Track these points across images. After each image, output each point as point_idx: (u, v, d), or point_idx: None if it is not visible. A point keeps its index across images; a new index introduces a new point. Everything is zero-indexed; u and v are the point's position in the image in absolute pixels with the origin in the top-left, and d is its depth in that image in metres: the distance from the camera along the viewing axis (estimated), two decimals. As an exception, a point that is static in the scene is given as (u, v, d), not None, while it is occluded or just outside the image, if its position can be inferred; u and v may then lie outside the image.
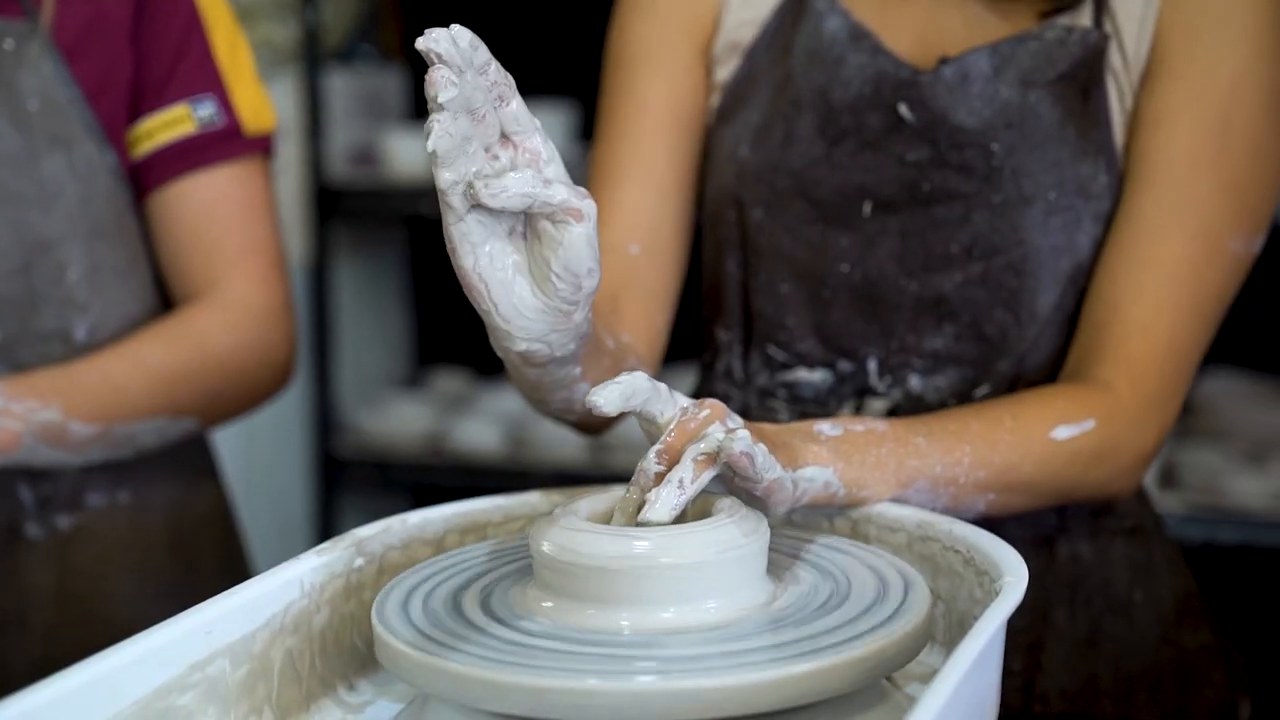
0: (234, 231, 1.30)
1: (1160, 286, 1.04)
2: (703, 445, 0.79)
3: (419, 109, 3.14)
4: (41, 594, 1.25)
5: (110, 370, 1.20)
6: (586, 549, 0.75)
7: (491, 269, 0.78)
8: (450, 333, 3.20)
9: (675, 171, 1.17)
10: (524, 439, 2.81)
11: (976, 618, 0.80)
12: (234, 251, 1.29)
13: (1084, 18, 1.08)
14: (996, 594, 0.74)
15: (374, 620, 0.77)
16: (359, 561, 0.86)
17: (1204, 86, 1.05)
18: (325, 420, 2.93)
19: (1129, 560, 1.13)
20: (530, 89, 3.31)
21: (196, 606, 0.76)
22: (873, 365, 1.11)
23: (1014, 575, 0.76)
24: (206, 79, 1.29)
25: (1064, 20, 1.09)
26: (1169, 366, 1.04)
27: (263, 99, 1.34)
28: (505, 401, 2.90)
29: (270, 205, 1.34)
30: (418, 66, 3.24)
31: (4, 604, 1.24)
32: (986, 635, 0.68)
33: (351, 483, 2.98)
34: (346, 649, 0.85)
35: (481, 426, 2.85)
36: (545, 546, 0.77)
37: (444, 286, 2.93)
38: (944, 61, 1.08)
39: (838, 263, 1.11)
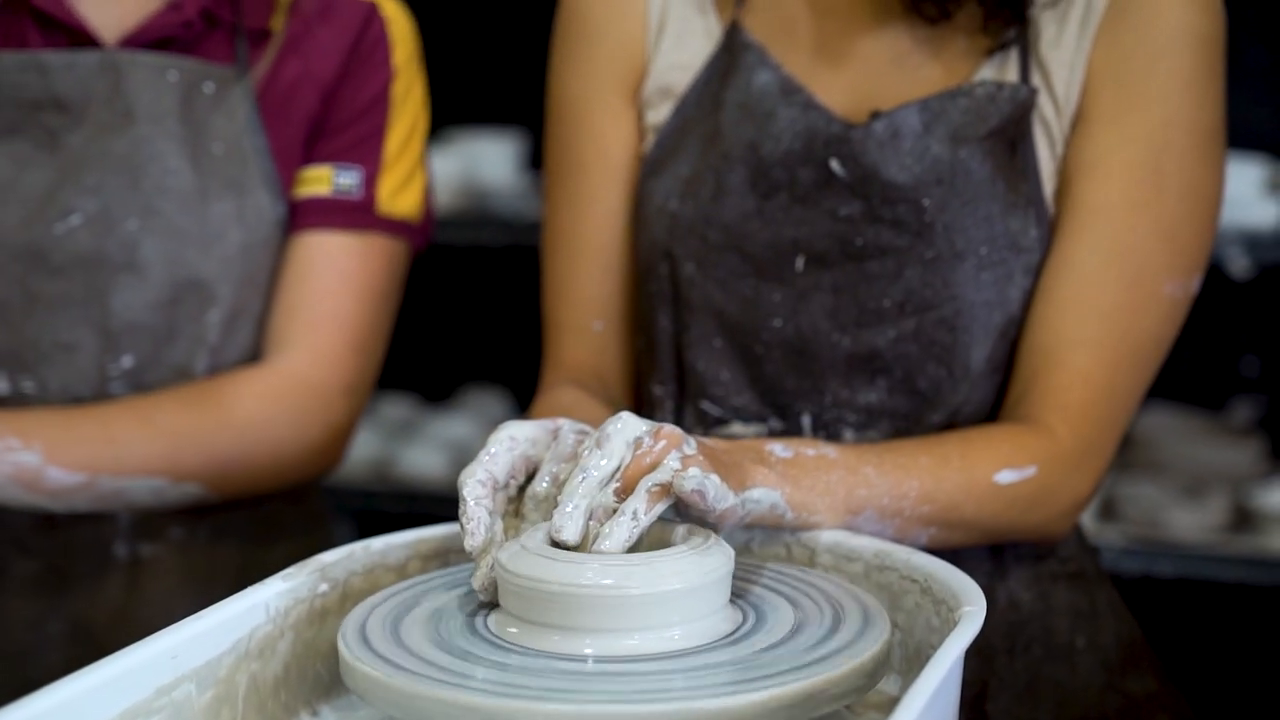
0: (322, 299, 1.27)
1: (1099, 333, 1.05)
2: (657, 476, 0.80)
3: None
4: (113, 613, 1.24)
5: (112, 421, 1.19)
6: (553, 576, 0.76)
7: None
8: (397, 359, 3.19)
9: (619, 237, 1.19)
10: (471, 466, 2.80)
11: (934, 647, 0.81)
12: (313, 319, 1.27)
13: (1011, 70, 1.10)
14: (955, 623, 0.76)
15: (340, 644, 0.77)
16: (323, 587, 0.87)
17: (1136, 130, 1.06)
18: (270, 445, 2.91)
19: (1071, 606, 1.14)
20: (478, 118, 3.32)
21: (163, 631, 0.76)
22: (806, 420, 1.12)
23: (973, 605, 0.77)
24: (363, 153, 1.30)
25: (992, 75, 1.10)
26: (1108, 412, 1.06)
27: (414, 187, 1.33)
28: (452, 428, 2.89)
29: (379, 288, 1.31)
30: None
31: (84, 617, 1.23)
32: (947, 664, 0.69)
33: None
34: (310, 674, 0.85)
35: (428, 453, 2.84)
36: (512, 573, 0.78)
37: (393, 313, 2.89)
38: (875, 116, 1.09)
39: (770, 317, 1.11)
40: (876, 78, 1.12)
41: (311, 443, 1.28)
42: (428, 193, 1.36)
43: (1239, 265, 2.34)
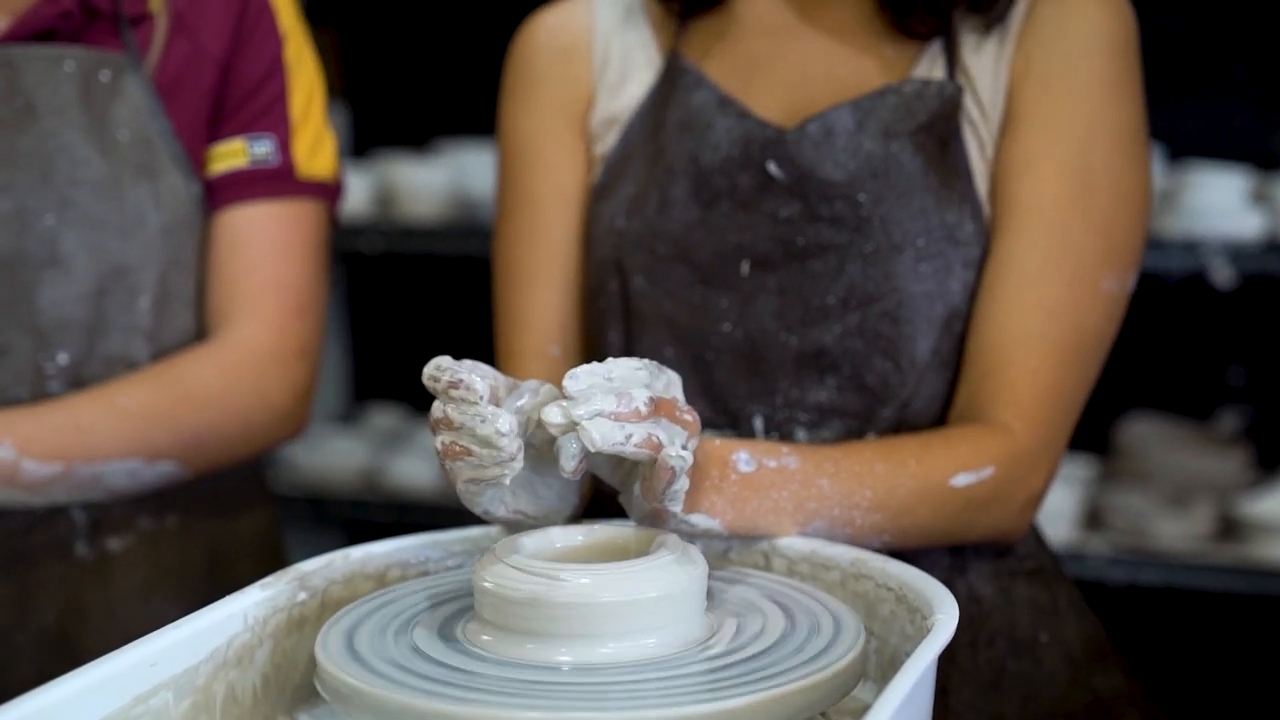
0: (260, 268, 1.29)
1: (1044, 330, 1.07)
2: (666, 434, 0.81)
3: (360, 146, 3.15)
4: (89, 614, 1.24)
5: (78, 410, 1.19)
6: (529, 585, 0.76)
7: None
8: (386, 369, 3.20)
9: (573, 265, 1.21)
10: (459, 476, 2.81)
11: (908, 654, 0.82)
12: (255, 289, 1.28)
13: (937, 71, 1.13)
14: (928, 631, 0.76)
15: (318, 654, 0.78)
16: (302, 595, 0.87)
17: (1062, 132, 1.09)
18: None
19: (1032, 601, 1.15)
20: (467, 129, 3.33)
21: (141, 639, 0.76)
22: (758, 423, 1.13)
23: (945, 613, 0.78)
24: (272, 120, 1.30)
25: (920, 74, 1.13)
26: (1058, 409, 1.08)
27: (325, 147, 1.34)
28: (441, 438, 2.89)
29: (312, 251, 1.32)
30: (358, 105, 3.26)
31: (49, 622, 1.24)
32: (919, 671, 0.70)
33: (286, 518, 2.96)
34: (289, 683, 0.86)
35: (417, 463, 2.85)
36: (488, 582, 0.78)
37: (380, 323, 2.97)
38: (808, 120, 1.12)
39: (719, 323, 1.14)
40: (809, 91, 1.16)
41: (277, 407, 1.30)
42: (338, 154, 1.37)
43: (1224, 275, 2.35)
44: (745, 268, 1.13)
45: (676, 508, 0.84)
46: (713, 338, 1.14)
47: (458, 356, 0.82)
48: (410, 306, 3.16)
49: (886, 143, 1.11)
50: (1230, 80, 2.64)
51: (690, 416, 0.84)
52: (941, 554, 1.12)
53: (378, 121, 3.16)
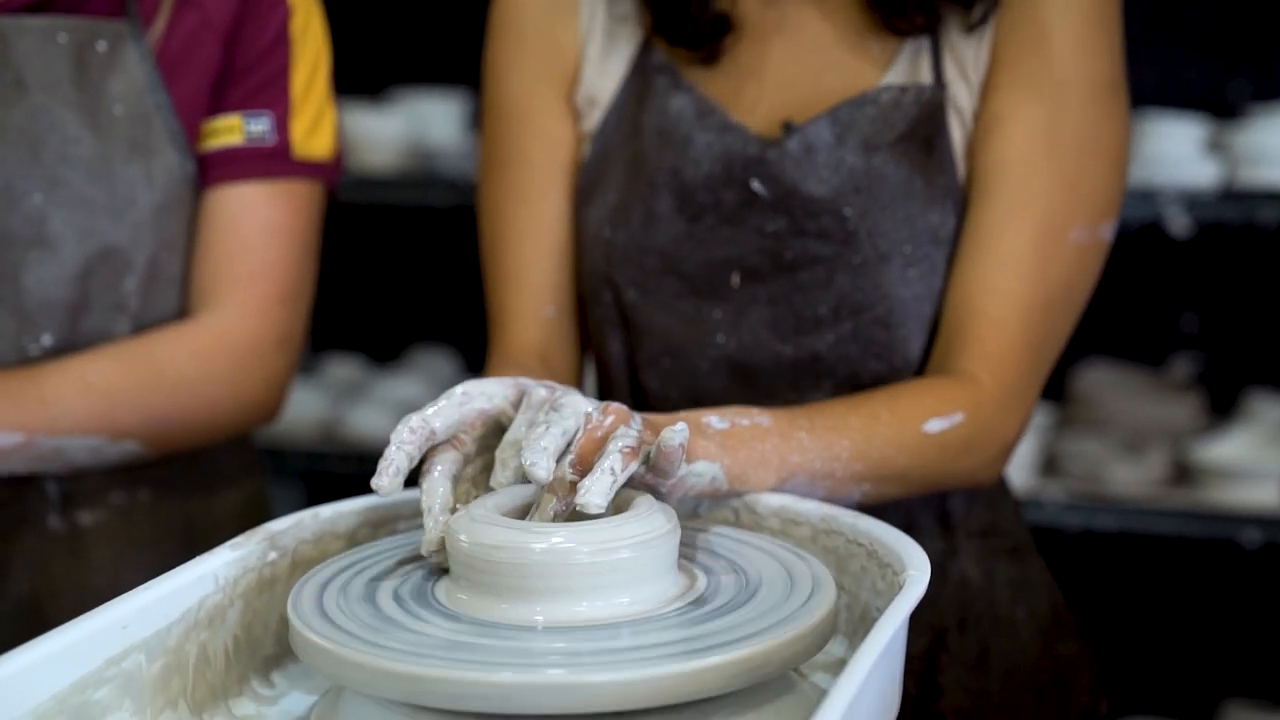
0: (248, 252, 1.25)
1: (1008, 282, 1.08)
2: (624, 440, 0.81)
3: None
4: (61, 585, 1.23)
5: (44, 381, 1.16)
6: (503, 543, 0.76)
7: None
8: (344, 320, 3.18)
9: (567, 229, 1.20)
10: (418, 427, 2.80)
11: (879, 609, 0.83)
12: (240, 274, 1.25)
13: (924, 66, 1.12)
14: (900, 587, 0.77)
15: (290, 613, 0.78)
16: (272, 555, 0.87)
17: (1030, 93, 1.09)
18: (216, 407, 2.89)
19: (1010, 579, 1.18)
20: (424, 78, 3.29)
21: (112, 601, 0.76)
22: None
23: (917, 568, 0.78)
24: (271, 96, 1.26)
25: (905, 73, 1.12)
26: (1025, 358, 1.08)
27: (325, 125, 1.30)
28: (400, 389, 2.89)
29: (303, 235, 1.28)
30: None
31: (22, 593, 1.22)
32: (893, 627, 0.70)
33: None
34: (260, 643, 0.86)
35: (375, 414, 2.84)
36: (462, 540, 0.78)
37: (338, 272, 2.95)
38: (788, 129, 1.11)
39: (713, 334, 1.14)
40: (790, 88, 1.14)
41: (249, 398, 1.27)
42: (337, 129, 1.33)
43: (1179, 224, 2.36)
44: (736, 280, 1.13)
45: (684, 468, 0.86)
46: (708, 349, 1.14)
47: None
48: (367, 257, 3.14)
49: (868, 156, 1.10)
50: (1186, 28, 2.65)
51: (610, 416, 0.83)
52: (934, 538, 1.14)
53: (332, 70, 3.12)
